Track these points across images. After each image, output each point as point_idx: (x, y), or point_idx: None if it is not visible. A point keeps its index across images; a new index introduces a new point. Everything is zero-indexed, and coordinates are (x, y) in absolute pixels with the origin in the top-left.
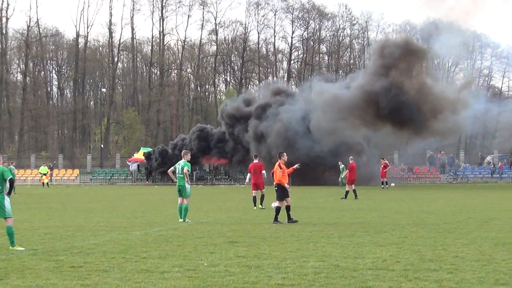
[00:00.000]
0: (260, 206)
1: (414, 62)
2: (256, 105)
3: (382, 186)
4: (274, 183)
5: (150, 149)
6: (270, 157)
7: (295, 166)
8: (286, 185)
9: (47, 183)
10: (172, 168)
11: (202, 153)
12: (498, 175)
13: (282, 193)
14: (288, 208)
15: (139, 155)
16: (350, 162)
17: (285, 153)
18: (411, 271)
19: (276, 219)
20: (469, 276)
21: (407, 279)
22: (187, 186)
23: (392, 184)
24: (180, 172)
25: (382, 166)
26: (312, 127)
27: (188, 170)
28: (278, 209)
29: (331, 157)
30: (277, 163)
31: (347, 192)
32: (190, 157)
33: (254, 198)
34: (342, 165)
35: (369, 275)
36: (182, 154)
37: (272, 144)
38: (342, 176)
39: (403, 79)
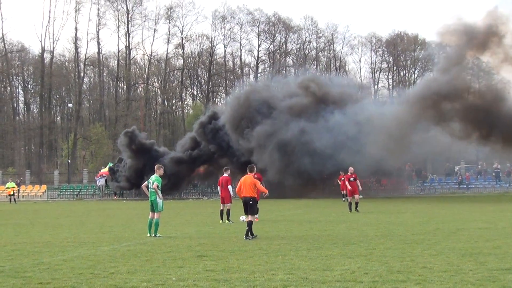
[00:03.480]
0: (227, 221)
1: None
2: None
3: (343, 199)
4: (251, 196)
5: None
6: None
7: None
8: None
9: (14, 199)
10: (146, 182)
11: (221, 153)
12: (465, 186)
13: (256, 207)
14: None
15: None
16: (352, 173)
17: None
18: (380, 282)
19: (251, 234)
20: (437, 287)
21: None
22: (159, 200)
23: (360, 196)
24: (151, 187)
25: (342, 179)
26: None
27: (158, 186)
28: (251, 224)
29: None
30: (253, 176)
31: (354, 204)
32: (162, 172)
33: (221, 212)
34: None
35: (337, 287)
36: (155, 168)
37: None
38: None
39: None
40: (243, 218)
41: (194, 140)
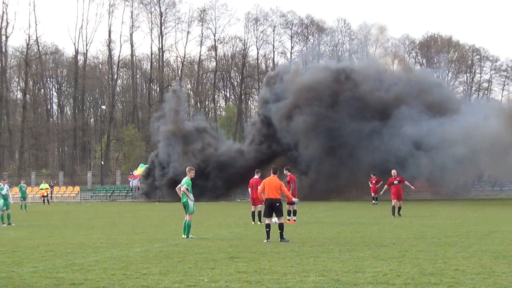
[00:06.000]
0: (259, 222)
1: None
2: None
3: (373, 202)
4: (278, 199)
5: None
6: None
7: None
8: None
9: (48, 201)
10: (179, 185)
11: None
12: (498, 188)
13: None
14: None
15: (139, 172)
16: (395, 176)
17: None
18: (412, 285)
19: (268, 237)
20: None
21: None
22: (190, 202)
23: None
24: (181, 190)
25: (374, 181)
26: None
27: (187, 188)
28: (283, 226)
29: None
30: (275, 178)
31: (397, 208)
32: (194, 174)
33: (253, 214)
34: None
35: None
36: (186, 170)
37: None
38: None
39: None
40: (275, 220)
41: (256, 134)
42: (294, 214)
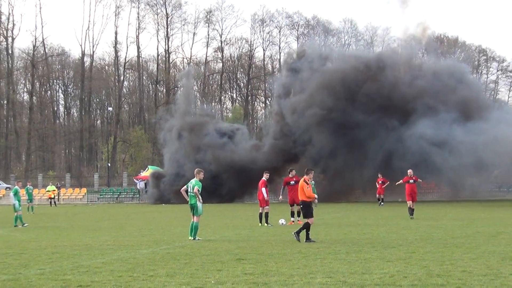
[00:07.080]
0: (265, 224)
1: None
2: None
3: (380, 203)
4: (300, 200)
5: (157, 168)
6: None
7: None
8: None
9: (55, 202)
10: (185, 186)
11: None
12: (505, 189)
13: (309, 210)
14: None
15: (147, 173)
16: (411, 175)
17: (313, 171)
18: (419, 286)
19: (308, 237)
20: None
21: None
22: (199, 204)
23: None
24: (191, 191)
25: (381, 182)
26: None
27: (198, 190)
28: (308, 226)
29: None
30: (302, 179)
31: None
32: (203, 176)
33: (260, 215)
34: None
35: None
36: (194, 172)
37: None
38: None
39: None
40: (282, 221)
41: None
42: (299, 215)
